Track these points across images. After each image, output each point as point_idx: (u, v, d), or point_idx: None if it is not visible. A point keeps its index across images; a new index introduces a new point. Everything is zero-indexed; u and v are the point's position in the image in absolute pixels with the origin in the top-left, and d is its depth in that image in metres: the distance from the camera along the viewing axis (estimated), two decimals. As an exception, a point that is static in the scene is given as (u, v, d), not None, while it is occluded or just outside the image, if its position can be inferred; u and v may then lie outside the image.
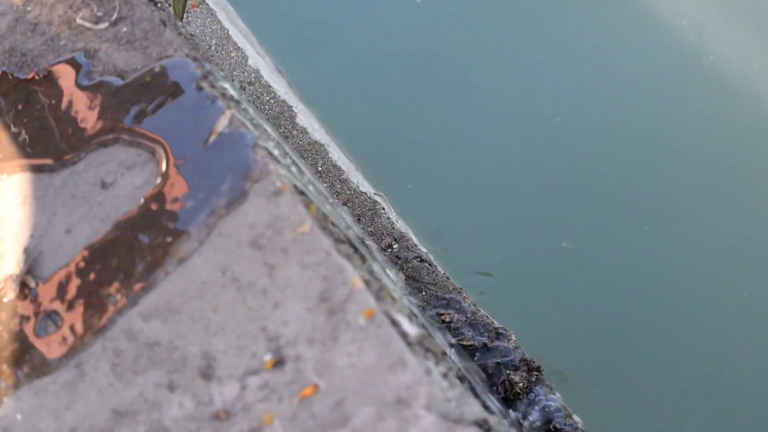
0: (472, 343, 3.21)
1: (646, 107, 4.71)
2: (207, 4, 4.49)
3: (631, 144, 4.56)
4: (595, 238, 4.27)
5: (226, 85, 2.41)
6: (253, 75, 4.25)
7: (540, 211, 4.43)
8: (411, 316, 2.15)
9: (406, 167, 4.42)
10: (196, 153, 2.26)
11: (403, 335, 2.03)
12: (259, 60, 4.43)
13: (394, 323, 2.04)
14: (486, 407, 2.45)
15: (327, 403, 1.98)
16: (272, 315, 2.08)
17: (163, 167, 2.28)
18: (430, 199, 4.32)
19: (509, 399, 3.11)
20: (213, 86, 2.39)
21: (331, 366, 2.01)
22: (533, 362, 3.19)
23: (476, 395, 2.52)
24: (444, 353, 2.14)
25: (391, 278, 2.41)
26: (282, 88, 4.31)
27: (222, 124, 2.28)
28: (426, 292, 3.37)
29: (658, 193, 4.42)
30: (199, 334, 2.10)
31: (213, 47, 4.20)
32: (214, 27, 4.38)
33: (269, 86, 4.19)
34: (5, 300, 2.26)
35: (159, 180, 2.28)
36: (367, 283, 2.09)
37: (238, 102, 2.38)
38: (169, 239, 2.20)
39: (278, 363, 2.03)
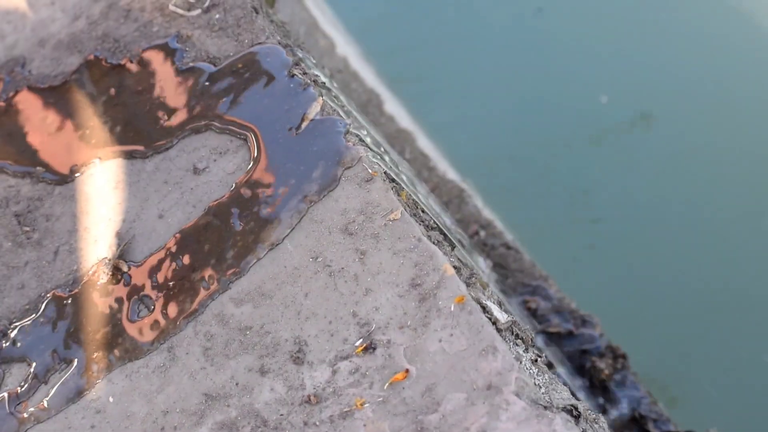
0: (558, 330, 3.49)
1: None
2: (294, -10, 4.88)
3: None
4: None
5: (318, 72, 2.77)
6: (341, 63, 4.60)
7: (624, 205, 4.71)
8: (501, 303, 2.48)
9: (494, 155, 4.74)
10: (288, 139, 2.62)
11: (494, 322, 2.35)
12: (347, 48, 4.79)
13: (485, 309, 2.35)
14: (574, 394, 2.73)
15: (418, 388, 2.29)
16: (363, 300, 2.42)
17: (255, 153, 2.65)
18: (518, 187, 4.62)
19: (594, 386, 3.39)
20: (305, 73, 2.75)
21: (421, 351, 2.33)
22: (619, 349, 3.47)
23: (564, 382, 2.80)
24: (533, 340, 2.45)
25: (479, 265, 2.73)
26: (370, 76, 4.67)
27: (314, 111, 2.64)
28: (512, 279, 3.68)
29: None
30: (291, 319, 2.45)
31: (302, 35, 4.58)
32: (302, 15, 4.74)
33: (357, 74, 4.55)
34: (98, 284, 2.66)
35: (251, 166, 2.66)
36: (457, 269, 2.42)
37: (329, 89, 2.75)
38: (260, 225, 2.57)
39: (369, 348, 2.36)
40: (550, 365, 2.72)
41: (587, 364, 3.30)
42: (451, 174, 4.25)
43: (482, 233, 3.85)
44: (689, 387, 4.09)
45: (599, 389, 3.29)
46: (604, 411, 3.24)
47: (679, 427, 3.23)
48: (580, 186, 4.65)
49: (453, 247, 2.40)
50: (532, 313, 3.54)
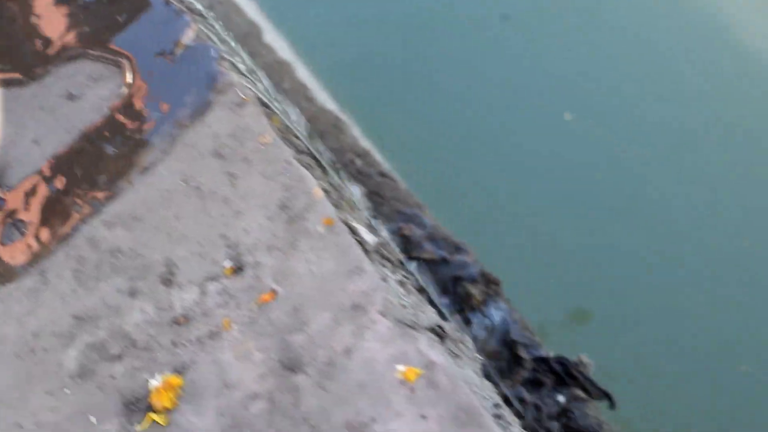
0: (432, 257, 3.47)
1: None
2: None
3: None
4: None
5: (192, 0, 2.72)
6: (221, -6, 4.53)
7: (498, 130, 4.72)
8: (369, 226, 2.45)
9: (372, 86, 4.70)
10: (162, 66, 2.56)
11: (361, 243, 2.33)
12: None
13: (353, 231, 2.32)
14: (442, 315, 2.71)
15: (285, 308, 2.25)
16: (233, 223, 2.37)
17: (129, 79, 2.59)
18: (396, 117, 4.59)
19: (467, 311, 3.38)
20: (180, 0, 2.71)
21: (289, 273, 2.29)
22: (491, 276, 3.46)
23: (434, 306, 2.77)
24: (401, 262, 2.43)
25: (352, 191, 2.70)
26: (251, 9, 4.60)
27: (188, 37, 2.58)
28: (387, 207, 3.65)
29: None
30: (162, 242, 2.39)
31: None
32: (180, -56, 4.64)
33: (238, 6, 4.48)
34: (-28, 209, 2.57)
35: (125, 92, 2.60)
36: (327, 192, 2.37)
37: (204, 17, 2.69)
38: (133, 149, 2.51)
39: (238, 270, 2.32)
40: (421, 289, 2.70)
41: (460, 290, 3.27)
42: (330, 104, 4.20)
43: (358, 162, 3.80)
44: (560, 316, 4.10)
45: (472, 314, 3.27)
46: (474, 337, 3.22)
47: (549, 352, 3.23)
48: (457, 118, 4.63)
49: (324, 171, 2.36)
50: (407, 240, 3.51)
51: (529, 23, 4.98)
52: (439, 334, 2.11)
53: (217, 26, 2.59)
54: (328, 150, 3.57)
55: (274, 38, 4.26)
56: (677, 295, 4.17)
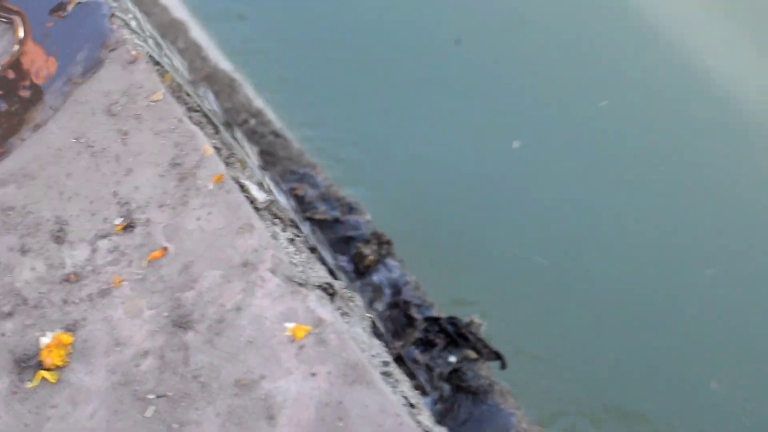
0: (325, 217, 3.45)
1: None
2: None
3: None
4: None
5: (85, -45, 2.64)
6: (112, -50, 4.42)
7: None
8: (261, 183, 2.41)
9: (267, 46, 4.66)
10: (55, 22, 2.49)
11: (252, 201, 2.28)
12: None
13: (243, 189, 2.27)
14: (333, 274, 2.68)
15: (175, 266, 2.22)
16: (124, 180, 2.32)
17: (20, 36, 2.51)
18: (289, 76, 4.56)
19: (360, 271, 3.36)
20: (72, -44, 2.62)
21: (180, 230, 2.25)
22: (384, 236, 3.45)
23: (326, 265, 2.74)
24: (292, 220, 2.39)
25: (245, 150, 2.66)
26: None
27: (80, -7, 2.52)
28: (280, 167, 3.62)
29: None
30: (53, 200, 2.34)
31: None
32: None
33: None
34: None
35: (16, 48, 2.52)
36: (217, 150, 2.33)
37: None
38: (25, 106, 2.43)
39: (128, 227, 2.27)
40: (313, 249, 2.66)
41: (353, 250, 3.25)
42: (224, 64, 4.14)
43: (252, 121, 3.76)
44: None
45: (364, 275, 3.25)
46: (368, 297, 3.20)
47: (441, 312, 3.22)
48: (351, 79, 4.59)
49: (217, 130, 2.31)
50: (300, 201, 3.48)
51: None
52: (329, 291, 2.09)
53: (111, -17, 2.51)
54: (222, 109, 3.52)
55: None
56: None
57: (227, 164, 2.19)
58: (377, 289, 3.25)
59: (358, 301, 2.19)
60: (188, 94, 2.37)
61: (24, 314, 2.13)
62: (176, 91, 2.31)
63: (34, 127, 2.27)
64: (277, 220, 2.21)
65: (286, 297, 2.04)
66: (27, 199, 2.24)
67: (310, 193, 3.49)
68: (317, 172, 3.62)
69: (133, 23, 2.40)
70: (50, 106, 2.27)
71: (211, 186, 2.14)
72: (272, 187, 2.65)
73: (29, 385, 2.06)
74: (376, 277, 3.28)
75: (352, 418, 1.88)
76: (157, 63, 2.30)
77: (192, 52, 4.02)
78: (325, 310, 2.02)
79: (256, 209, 2.14)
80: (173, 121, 2.20)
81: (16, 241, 2.20)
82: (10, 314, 2.13)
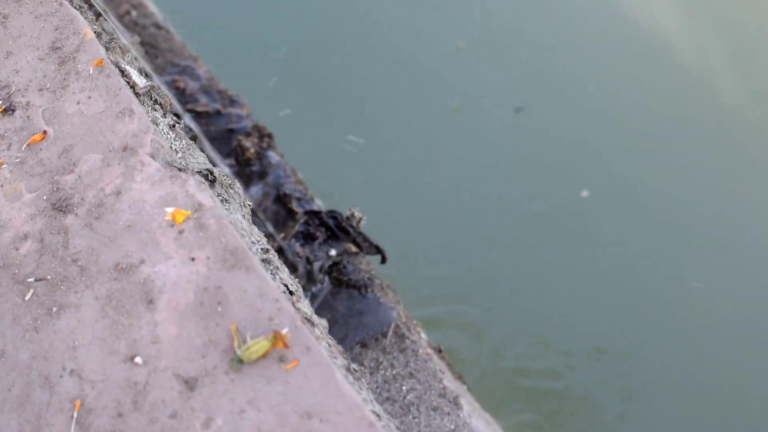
0: (206, 109, 3.34)
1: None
2: None
3: None
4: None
5: None
6: None
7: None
8: (142, 70, 2.28)
9: None
10: None
11: (132, 86, 2.17)
12: None
13: (124, 74, 2.16)
14: (212, 161, 2.59)
15: (55, 149, 2.11)
16: (4, 63, 2.18)
17: None
18: None
19: (241, 164, 3.27)
20: None
21: (60, 114, 2.13)
22: (265, 129, 3.35)
23: (206, 156, 2.65)
24: (171, 106, 2.28)
25: (126, 38, 2.53)
26: None
27: None
28: (161, 59, 3.48)
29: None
30: (-69, 84, 2.21)
31: None
32: None
33: None
34: None
35: None
36: (98, 35, 2.20)
37: None
38: None
39: (7, 110, 2.14)
40: (194, 138, 2.55)
41: (234, 142, 3.15)
42: None
43: (134, 13, 3.60)
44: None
45: (246, 167, 3.15)
46: (247, 190, 3.11)
47: (322, 207, 3.15)
48: None
49: (98, 16, 2.17)
50: (181, 93, 3.35)
51: None
52: (209, 178, 1.99)
53: None
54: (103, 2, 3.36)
55: None
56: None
57: (108, 49, 2.06)
58: (258, 182, 3.16)
59: (238, 188, 2.10)
60: (69, -23, 2.23)
61: None
62: (56, -27, 2.16)
63: None
64: (157, 106, 2.10)
65: (166, 182, 1.94)
66: None
67: (192, 85, 3.36)
68: (198, 65, 3.48)
69: None
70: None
71: (91, 70, 2.02)
72: (148, 69, 2.52)
73: None
74: (256, 169, 3.18)
75: (231, 303, 1.82)
76: (37, -55, 2.15)
77: None
78: (205, 195, 1.93)
79: (137, 94, 2.03)
80: (53, 5, 2.07)
81: None
82: None
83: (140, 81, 2.07)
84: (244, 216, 2.09)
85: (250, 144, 3.16)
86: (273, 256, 2.06)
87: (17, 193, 1.99)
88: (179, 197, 1.96)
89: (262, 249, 2.04)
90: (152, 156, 1.99)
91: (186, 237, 1.92)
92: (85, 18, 2.08)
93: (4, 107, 2.03)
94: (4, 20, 2.06)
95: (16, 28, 2.07)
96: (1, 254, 1.93)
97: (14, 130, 2.03)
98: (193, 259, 1.89)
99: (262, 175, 3.13)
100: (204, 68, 3.47)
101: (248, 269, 1.89)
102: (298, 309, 1.91)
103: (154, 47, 3.47)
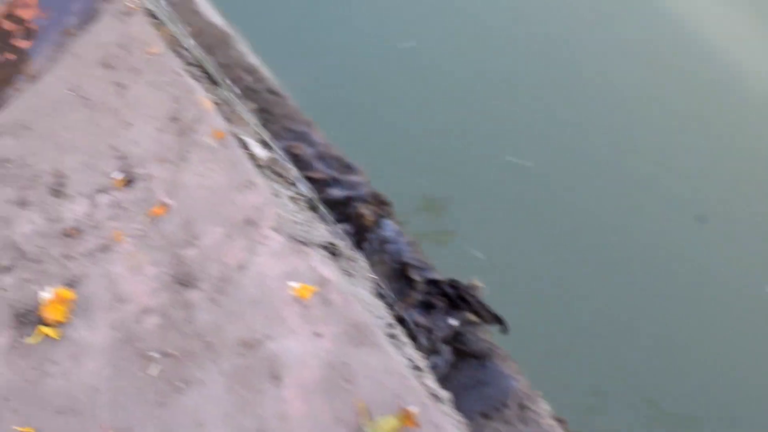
0: (323, 176, 3.29)
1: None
2: None
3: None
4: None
5: None
6: None
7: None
8: (263, 141, 2.25)
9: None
10: (48, -31, 2.31)
11: (253, 157, 2.14)
12: None
13: (244, 145, 2.13)
14: (334, 234, 2.55)
15: (176, 222, 2.08)
16: (123, 134, 2.16)
17: (14, -17, 2.32)
18: (285, 33, 4.36)
19: (358, 232, 3.22)
20: None
21: (180, 186, 2.10)
22: (383, 197, 3.30)
23: (326, 225, 2.61)
24: (294, 178, 2.24)
25: (243, 107, 2.49)
26: None
27: (73, -60, 2.32)
28: (277, 125, 3.44)
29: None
30: (51, 152, 2.17)
31: None
32: None
33: None
34: None
35: (9, -4, 2.32)
36: (217, 105, 2.18)
37: None
38: (20, 57, 2.25)
39: (129, 182, 2.12)
40: (313, 208, 2.52)
41: (351, 210, 3.10)
42: (216, 18, 3.92)
43: (247, 78, 3.56)
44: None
45: (363, 235, 3.10)
46: (369, 258, 3.06)
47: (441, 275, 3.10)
48: (347, 37, 4.40)
49: (215, 84, 2.15)
50: (296, 159, 3.31)
51: None
52: (332, 251, 1.98)
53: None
54: (216, 65, 3.33)
55: None
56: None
57: (228, 120, 2.04)
58: (377, 250, 3.11)
59: (361, 261, 2.07)
60: (185, 48, 2.20)
61: (23, 268, 2.00)
62: (173, 44, 2.13)
63: (29, 78, 2.11)
64: (278, 178, 2.07)
65: (290, 256, 1.92)
66: (24, 150, 2.09)
67: (307, 151, 3.32)
68: (314, 131, 3.44)
69: (129, -26, 2.21)
70: (45, 57, 2.09)
71: (211, 142, 2.00)
72: (273, 144, 2.49)
73: (29, 340, 1.93)
74: (375, 238, 3.14)
75: (357, 379, 1.79)
76: (153, 15, 2.12)
77: (183, 6, 3.78)
78: (329, 270, 1.90)
79: (258, 166, 2.00)
80: (171, 75, 2.05)
81: (14, 193, 2.06)
82: (9, 268, 2.00)
83: (261, 152, 2.04)
84: (367, 290, 2.06)
85: (368, 212, 3.12)
86: (397, 330, 2.03)
87: (140, 266, 1.97)
88: (303, 271, 1.93)
89: (386, 323, 2.01)
90: (275, 229, 1.97)
91: (311, 312, 1.90)
92: (204, 87, 2.04)
93: (124, 179, 2.00)
94: (123, 90, 2.04)
95: (134, 98, 2.05)
96: (124, 328, 1.91)
97: (135, 202, 2.01)
98: (318, 335, 1.87)
99: (380, 243, 3.08)
100: (319, 134, 3.43)
101: (374, 345, 1.87)
102: (425, 385, 1.88)
103: (269, 113, 3.44)
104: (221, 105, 2.08)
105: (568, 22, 4.71)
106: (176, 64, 2.05)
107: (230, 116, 2.07)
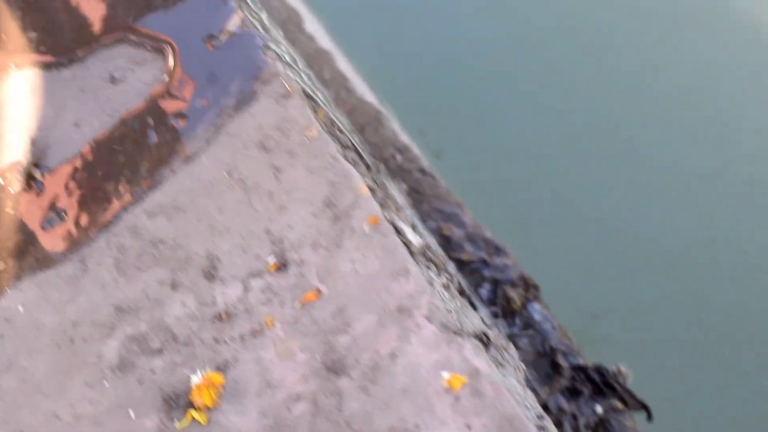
0: (471, 258, 3.27)
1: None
2: None
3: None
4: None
5: (239, -16, 2.47)
6: (261, -23, 4.29)
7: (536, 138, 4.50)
8: (414, 226, 2.23)
9: (414, 78, 4.46)
10: (206, 53, 2.33)
11: (407, 244, 2.12)
12: (267, -38, 4.46)
13: (399, 232, 2.11)
14: (484, 321, 2.53)
15: (329, 308, 2.06)
16: (277, 218, 2.17)
17: (173, 65, 2.35)
18: (436, 113, 4.37)
19: (505, 315, 3.19)
20: (225, -15, 2.46)
21: (334, 272, 2.09)
22: (531, 280, 3.26)
23: (475, 309, 2.59)
24: (445, 264, 2.22)
25: (395, 188, 2.49)
26: (292, -6, 4.36)
27: (234, 24, 2.35)
28: (427, 205, 3.43)
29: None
30: (204, 234, 2.19)
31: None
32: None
33: (278, -10, 4.24)
34: (11, 191, 2.36)
35: (167, 78, 2.36)
36: (372, 190, 2.16)
37: (248, 3, 2.45)
38: (176, 137, 2.28)
39: (282, 266, 2.11)
40: (461, 292, 2.50)
41: (499, 293, 3.08)
42: (369, 96, 3.97)
43: (398, 157, 3.58)
44: (600, 325, 3.92)
45: (510, 318, 3.07)
46: (514, 342, 3.03)
47: (588, 360, 3.04)
48: (502, 118, 4.39)
49: (369, 168, 2.14)
50: (446, 240, 3.31)
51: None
52: (484, 341, 1.92)
53: (261, 14, 2.34)
54: (368, 144, 3.35)
55: (314, 26, 4.00)
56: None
57: (382, 206, 2.02)
58: (524, 335, 3.08)
59: (512, 350, 2.03)
60: (340, 130, 2.20)
61: (174, 351, 1.99)
62: (329, 126, 2.13)
63: (184, 159, 2.12)
64: (431, 265, 2.04)
65: (442, 345, 1.88)
66: (177, 232, 2.10)
67: (457, 232, 3.32)
68: (464, 212, 3.44)
69: (287, 56, 2.23)
70: (201, 137, 2.11)
71: (366, 228, 1.98)
72: (423, 229, 2.48)
73: (178, 424, 1.92)
74: (523, 323, 3.11)
75: (510, 475, 1.72)
76: (310, 97, 2.13)
77: (337, 83, 3.85)
78: (481, 360, 1.86)
79: (411, 253, 1.97)
80: (327, 159, 2.04)
81: (167, 275, 2.06)
82: (159, 351, 1.99)
83: (415, 239, 2.02)
84: (518, 380, 2.01)
85: (515, 295, 3.10)
86: (547, 422, 1.97)
87: (290, 352, 1.95)
88: (455, 362, 1.90)
89: (536, 415, 1.95)
90: (428, 318, 1.94)
91: (462, 404, 1.86)
92: (359, 172, 2.04)
93: (277, 263, 1.99)
94: (278, 173, 2.04)
95: (289, 182, 2.04)
96: (273, 414, 1.89)
97: (287, 288, 2.00)
98: (469, 427, 1.83)
99: (526, 326, 3.05)
100: (469, 215, 3.44)
101: (526, 439, 1.80)
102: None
103: (419, 193, 3.46)
104: (376, 190, 2.07)
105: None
106: (333, 147, 2.04)
107: (384, 201, 2.06)
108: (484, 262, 3.21)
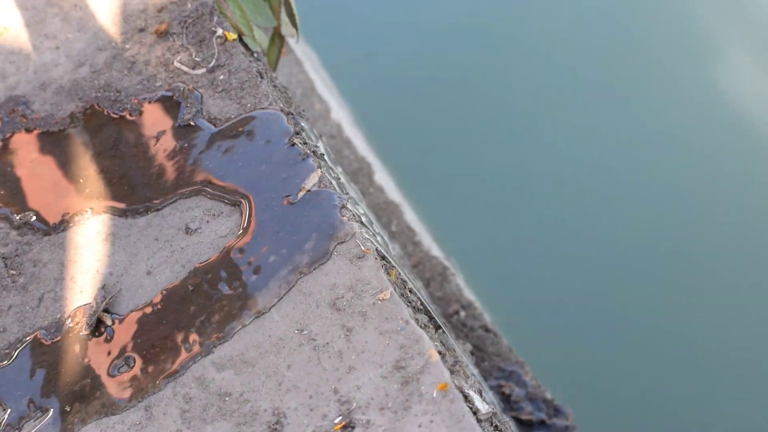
0: (531, 418, 3.29)
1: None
2: (294, 53, 4.70)
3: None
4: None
5: (318, 144, 2.58)
6: (335, 128, 4.43)
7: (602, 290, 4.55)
8: (481, 392, 2.28)
9: (480, 232, 4.55)
10: (283, 208, 2.42)
11: (474, 411, 2.16)
12: (340, 113, 4.62)
13: (467, 398, 2.16)
14: None
15: (392, 473, 2.11)
16: (346, 378, 2.22)
17: (248, 219, 2.44)
18: (502, 267, 4.44)
19: None
20: (305, 143, 2.56)
21: (400, 435, 2.14)
22: None
23: None
24: (509, 429, 2.25)
25: (460, 347, 2.54)
26: (361, 144, 4.49)
27: (312, 182, 2.45)
28: (488, 362, 3.48)
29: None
30: (271, 390, 2.24)
31: (298, 97, 4.40)
32: (300, 77, 4.57)
33: (350, 141, 4.37)
34: (80, 334, 2.43)
35: (243, 231, 2.45)
36: (442, 355, 2.22)
37: (326, 161, 2.55)
38: (248, 291, 2.36)
39: (348, 427, 2.16)
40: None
41: None
42: (435, 250, 4.05)
43: (462, 313, 3.65)
44: None
45: None
46: None
47: None
48: (567, 276, 4.46)
49: (438, 329, 2.20)
50: (506, 399, 3.35)
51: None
52: None
53: (337, 169, 2.44)
54: (433, 299, 3.43)
55: (384, 178, 4.13)
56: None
57: (452, 372, 2.08)
58: None
59: None
60: (411, 291, 2.27)
61: (235, 507, 2.01)
62: (401, 288, 2.20)
63: (255, 313, 2.19)
64: (497, 432, 2.08)
65: None
66: (244, 386, 2.15)
67: (517, 392, 3.37)
68: (525, 371, 3.49)
69: (363, 218, 2.32)
70: (274, 293, 2.18)
71: (434, 394, 2.03)
72: (488, 389, 2.53)
73: None
74: None
75: None
76: (384, 258, 2.20)
77: (405, 236, 3.94)
78: None
79: (479, 420, 2.01)
80: (399, 322, 2.10)
81: (232, 428, 2.11)
82: (219, 506, 2.01)
83: (482, 407, 2.06)
84: None
85: None
86: None
87: None
88: None
89: None
90: (493, 488, 1.95)
91: None
92: (430, 337, 2.09)
93: (344, 423, 2.04)
94: (349, 333, 2.10)
95: (360, 342, 2.10)
96: None
97: (353, 449, 2.03)
98: None
99: None
100: (530, 375, 3.49)
101: None
102: None
103: (481, 350, 3.51)
104: (446, 354, 2.13)
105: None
106: (404, 311, 2.11)
107: (453, 367, 2.11)
108: (543, 424, 3.24)
